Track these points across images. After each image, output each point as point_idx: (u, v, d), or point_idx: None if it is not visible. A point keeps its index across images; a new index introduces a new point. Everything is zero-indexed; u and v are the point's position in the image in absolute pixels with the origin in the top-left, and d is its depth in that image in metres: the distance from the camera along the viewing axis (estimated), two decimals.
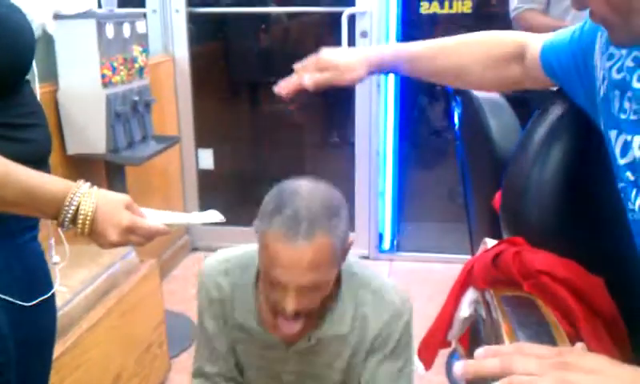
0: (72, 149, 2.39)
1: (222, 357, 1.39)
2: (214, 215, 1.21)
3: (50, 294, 1.27)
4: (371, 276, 1.31)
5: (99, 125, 2.37)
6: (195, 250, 3.59)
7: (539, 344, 0.78)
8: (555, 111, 1.09)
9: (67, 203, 0.99)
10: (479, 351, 0.75)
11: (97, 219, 1.01)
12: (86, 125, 2.37)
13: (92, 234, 1.02)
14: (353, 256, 1.31)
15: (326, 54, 1.32)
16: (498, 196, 1.60)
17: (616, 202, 0.97)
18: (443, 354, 2.50)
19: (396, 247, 3.46)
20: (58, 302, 1.83)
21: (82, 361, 1.85)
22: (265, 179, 3.87)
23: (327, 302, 1.24)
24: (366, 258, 3.38)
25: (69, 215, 1.00)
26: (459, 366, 0.76)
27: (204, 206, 3.61)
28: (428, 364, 1.20)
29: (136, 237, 1.06)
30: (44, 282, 1.27)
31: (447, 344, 1.19)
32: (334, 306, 1.27)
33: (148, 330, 2.24)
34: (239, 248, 1.37)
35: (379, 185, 3.37)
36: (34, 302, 1.20)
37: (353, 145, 3.38)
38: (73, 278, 1.97)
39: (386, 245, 3.44)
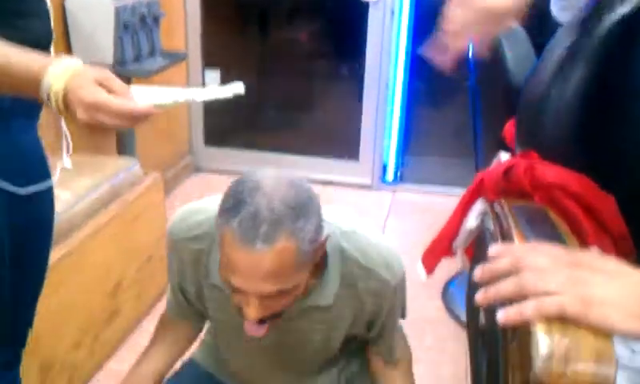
0: (79, 58, 2.35)
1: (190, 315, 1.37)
2: (234, 87, 1.09)
3: (46, 187, 1.22)
4: (361, 249, 1.18)
5: (107, 35, 2.33)
6: (198, 170, 3.59)
7: None
8: (579, 29, 1.06)
9: (44, 82, 0.94)
10: (493, 248, 0.75)
11: (67, 96, 0.94)
12: (94, 35, 2.34)
13: (67, 111, 0.95)
14: (345, 214, 1.22)
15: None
16: (507, 126, 1.58)
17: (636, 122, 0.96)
18: (440, 280, 2.55)
19: (399, 179, 3.46)
20: (61, 207, 1.85)
21: (83, 265, 1.86)
22: (271, 105, 3.84)
23: (309, 281, 1.12)
24: (369, 187, 3.39)
25: (46, 94, 0.94)
26: (478, 269, 0.76)
27: (208, 127, 3.60)
28: (430, 270, 1.20)
29: (104, 115, 0.94)
30: (40, 173, 1.21)
31: (451, 253, 1.19)
32: (317, 282, 1.18)
33: (150, 242, 2.25)
34: (209, 207, 1.20)
35: (386, 117, 3.35)
36: (29, 191, 1.15)
37: (362, 77, 3.34)
38: (76, 184, 1.97)
39: (390, 176, 3.44)
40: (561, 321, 0.68)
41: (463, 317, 2.31)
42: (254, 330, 1.10)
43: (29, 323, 1.27)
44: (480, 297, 0.74)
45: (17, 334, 1.23)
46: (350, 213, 1.26)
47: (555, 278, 0.69)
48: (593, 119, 1.00)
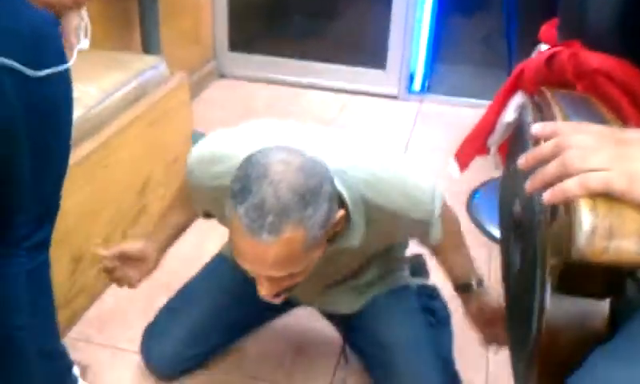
0: None
1: None
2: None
3: (62, 68, 1.16)
4: (386, 196, 1.14)
5: None
6: (222, 76, 3.55)
7: None
8: None
9: None
10: (537, 126, 0.73)
11: None
12: None
13: None
14: (362, 165, 1.15)
15: None
16: (545, 28, 1.53)
17: None
18: (464, 192, 2.54)
19: (427, 88, 3.40)
20: (89, 102, 1.85)
21: (111, 161, 1.87)
22: (297, 11, 3.75)
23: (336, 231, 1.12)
24: (395, 97, 3.34)
25: None
26: (521, 157, 0.74)
27: (233, 32, 3.54)
28: (463, 167, 1.19)
29: None
30: (56, 54, 1.16)
31: (486, 150, 1.18)
32: (341, 233, 1.16)
33: (176, 142, 2.26)
34: (229, 153, 1.18)
35: (415, 24, 3.26)
36: (44, 74, 1.11)
37: None
38: (103, 80, 1.96)
39: (417, 86, 3.37)
40: (605, 198, 0.67)
41: (488, 226, 2.31)
42: (269, 299, 1.11)
43: (54, 207, 1.28)
44: (528, 185, 0.73)
45: (42, 218, 1.25)
46: (370, 148, 1.22)
47: (600, 155, 0.68)
48: (637, 4, 0.96)
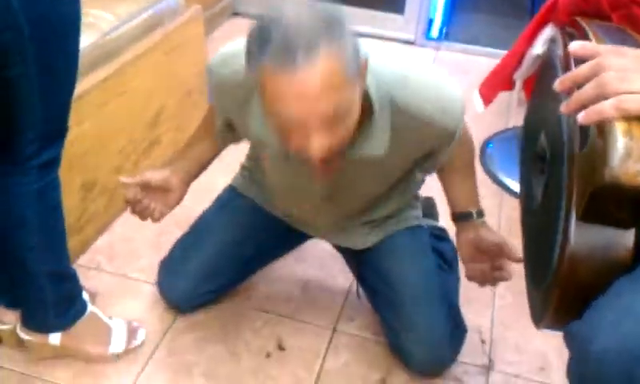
0: None
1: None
2: None
3: None
4: (414, 98, 1.09)
5: None
6: (236, 14, 3.49)
7: None
8: None
9: None
10: (575, 43, 0.70)
11: None
12: None
13: None
14: (395, 56, 1.12)
15: None
16: None
17: None
18: (478, 140, 2.51)
19: (444, 36, 3.34)
20: (104, 29, 1.81)
21: (126, 88, 1.85)
22: None
23: (358, 126, 1.04)
24: (412, 43, 3.28)
25: None
26: (557, 80, 0.72)
27: None
28: (487, 101, 1.16)
29: None
30: None
31: (511, 85, 1.15)
32: (367, 130, 1.11)
33: (190, 74, 2.23)
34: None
35: None
36: None
37: None
38: (119, 7, 1.92)
39: (435, 32, 3.31)
40: None
41: (500, 176, 2.30)
42: (321, 175, 1.06)
43: (63, 126, 1.26)
44: (563, 107, 0.70)
45: (51, 136, 1.23)
46: (400, 52, 1.18)
47: (637, 78, 0.65)
48: None
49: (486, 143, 2.54)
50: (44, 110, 1.17)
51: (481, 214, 1.37)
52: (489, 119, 2.44)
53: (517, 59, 1.09)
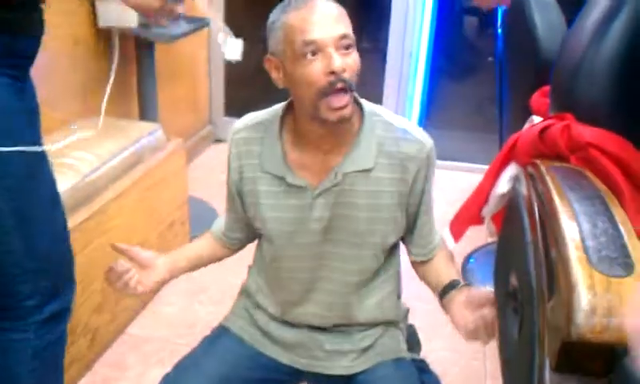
0: (103, 21, 2.35)
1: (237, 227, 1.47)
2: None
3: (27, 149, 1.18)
4: (394, 117, 1.32)
5: None
6: (218, 141, 3.58)
7: (592, 207, 0.76)
8: None
9: None
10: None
11: None
12: None
13: None
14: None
15: None
16: (535, 96, 1.56)
17: None
18: (459, 255, 2.53)
19: None
20: (86, 170, 1.85)
21: (107, 228, 1.87)
22: None
23: (350, 137, 1.26)
24: None
25: None
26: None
27: (229, 97, 3.59)
28: (457, 237, 1.19)
29: None
30: (20, 131, 1.20)
31: (480, 220, 1.18)
32: (356, 142, 1.27)
33: (172, 207, 2.26)
34: (264, 111, 1.38)
35: (409, 88, 3.31)
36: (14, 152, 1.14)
37: (384, 50, 3.30)
38: (100, 147, 1.97)
39: None
40: (603, 275, 0.67)
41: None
42: (340, 100, 1.18)
43: (60, 276, 1.27)
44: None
45: (49, 288, 1.23)
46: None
47: None
48: (630, 80, 0.98)
49: (468, 258, 2.56)
50: (31, 261, 1.18)
51: (467, 285, 1.35)
52: (469, 234, 2.47)
53: (483, 197, 1.13)
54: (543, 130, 1.02)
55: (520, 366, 0.90)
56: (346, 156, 1.27)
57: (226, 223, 1.50)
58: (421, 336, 1.90)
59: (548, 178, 0.89)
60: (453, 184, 3.05)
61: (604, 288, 0.67)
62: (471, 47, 3.98)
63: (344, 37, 1.19)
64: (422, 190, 1.32)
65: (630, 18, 0.99)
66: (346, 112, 1.22)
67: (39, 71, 2.08)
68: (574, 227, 0.75)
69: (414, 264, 1.45)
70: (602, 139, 0.95)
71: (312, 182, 1.28)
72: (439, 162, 3.41)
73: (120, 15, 2.32)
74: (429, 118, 3.49)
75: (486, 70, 2.97)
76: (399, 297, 1.55)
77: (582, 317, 0.66)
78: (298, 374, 1.57)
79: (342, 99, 1.20)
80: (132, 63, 2.56)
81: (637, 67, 0.98)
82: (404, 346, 1.54)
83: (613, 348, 0.68)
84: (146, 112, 2.54)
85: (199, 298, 2.22)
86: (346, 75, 1.19)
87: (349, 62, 1.19)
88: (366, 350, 1.48)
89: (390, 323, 1.52)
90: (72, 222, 1.72)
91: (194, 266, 1.52)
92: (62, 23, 2.19)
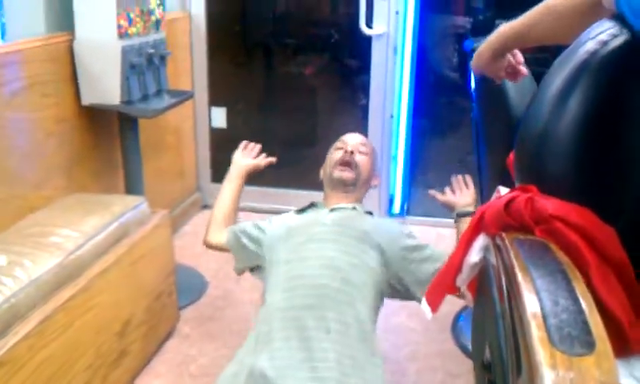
0: (87, 99, 2.39)
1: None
2: None
3: None
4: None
5: (114, 76, 2.37)
6: (205, 207, 3.60)
7: (554, 283, 0.78)
8: (575, 61, 1.07)
9: None
10: None
11: None
12: (101, 75, 2.37)
13: None
14: None
15: None
16: (511, 156, 1.59)
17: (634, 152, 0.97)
18: (449, 313, 2.53)
19: (406, 211, 3.46)
20: (70, 246, 1.86)
21: (92, 304, 1.87)
22: (275, 141, 3.86)
23: (359, 196, 2.01)
24: None
25: None
26: None
27: (216, 164, 3.62)
28: (434, 307, 1.20)
29: None
30: None
31: (455, 290, 1.19)
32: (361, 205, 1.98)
33: (158, 280, 2.26)
34: None
35: (392, 148, 3.36)
36: None
37: (366, 109, 3.37)
38: (84, 223, 1.99)
39: (396, 208, 3.44)
40: (565, 353, 0.68)
41: None
42: (341, 170, 1.95)
43: None
44: None
45: None
46: None
47: None
48: (590, 152, 1.01)
49: (458, 316, 2.56)
50: None
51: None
52: None
53: (456, 267, 1.14)
54: (508, 203, 1.04)
55: None
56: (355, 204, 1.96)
57: (246, 229, 2.00)
58: None
59: (512, 253, 0.91)
60: (441, 241, 3.07)
61: (566, 367, 0.68)
62: (452, 105, 4.05)
63: (363, 144, 2.04)
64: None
65: (588, 87, 1.02)
66: (347, 175, 1.93)
67: (24, 151, 2.13)
68: (536, 305, 0.77)
69: None
70: (565, 211, 0.97)
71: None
72: (425, 220, 3.45)
73: (103, 93, 2.37)
74: (413, 177, 3.53)
75: (468, 126, 3.02)
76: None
77: None
78: None
79: (343, 170, 1.94)
80: (116, 138, 2.60)
81: (597, 139, 1.01)
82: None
83: None
84: (132, 185, 2.57)
85: (190, 369, 2.21)
86: (356, 158, 1.97)
87: (361, 157, 1.99)
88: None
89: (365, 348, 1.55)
90: (57, 301, 1.73)
91: (227, 194, 2.19)
92: (47, 103, 2.24)
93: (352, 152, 1.97)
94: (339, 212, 1.90)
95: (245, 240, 1.97)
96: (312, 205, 2.02)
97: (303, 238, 1.82)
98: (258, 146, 2.31)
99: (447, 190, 2.19)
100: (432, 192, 2.10)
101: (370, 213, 1.97)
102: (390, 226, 1.98)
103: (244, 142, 2.31)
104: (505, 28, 1.39)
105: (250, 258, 1.96)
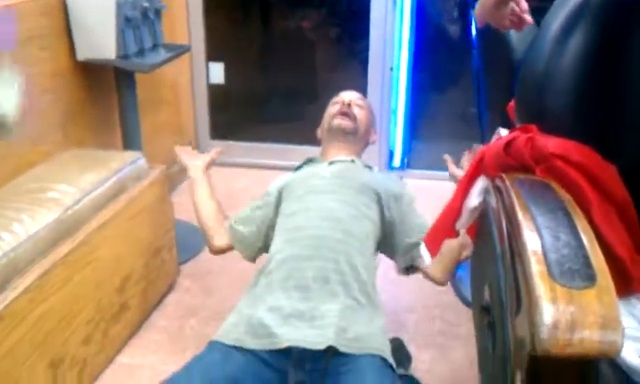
0: (82, 54, 2.35)
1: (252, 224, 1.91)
2: None
3: None
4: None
5: (109, 30, 2.32)
6: None
7: (555, 219, 0.76)
8: (572, 2, 1.04)
9: None
10: None
11: None
12: (96, 29, 2.33)
13: None
14: None
15: None
16: (512, 103, 1.56)
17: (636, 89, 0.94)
18: None
19: (406, 165, 3.44)
20: (68, 201, 1.85)
21: (91, 259, 1.86)
22: (275, 96, 3.83)
23: (356, 154, 1.98)
24: None
25: None
26: None
27: (213, 121, 3.60)
28: (434, 252, 1.19)
29: None
30: None
31: (454, 233, 1.18)
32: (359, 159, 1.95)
33: (157, 235, 2.25)
34: None
35: (392, 102, 3.33)
36: None
37: (366, 62, 3.32)
38: (82, 179, 1.97)
39: (397, 162, 3.42)
40: (566, 289, 0.67)
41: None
42: (341, 118, 1.95)
43: None
44: None
45: None
46: None
47: None
48: (591, 89, 0.99)
49: (457, 267, 2.56)
50: None
51: None
52: None
53: (456, 211, 1.13)
54: (508, 144, 1.02)
55: (497, 380, 0.90)
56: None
57: (238, 215, 1.94)
58: (411, 349, 1.92)
59: (512, 192, 0.89)
60: (441, 193, 3.04)
61: (566, 301, 0.67)
62: (452, 57, 3.99)
63: (360, 99, 2.05)
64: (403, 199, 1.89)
65: (589, 25, 1.00)
66: (345, 123, 1.94)
67: (21, 107, 2.10)
68: (536, 241, 0.76)
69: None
70: (566, 149, 0.95)
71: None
72: (426, 173, 3.44)
73: (98, 48, 2.33)
74: (414, 130, 3.50)
75: (469, 78, 2.98)
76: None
77: (544, 332, 0.66)
78: (285, 359, 1.52)
79: (342, 118, 1.94)
80: (113, 93, 2.56)
81: (597, 75, 0.98)
82: (387, 342, 1.54)
83: (580, 362, 0.68)
84: (129, 141, 2.54)
85: (190, 322, 2.22)
86: (353, 111, 1.98)
87: (359, 111, 1.99)
88: (345, 329, 1.47)
89: (366, 295, 1.54)
90: (54, 256, 1.72)
91: (203, 191, 2.03)
92: (41, 58, 2.20)
93: (349, 104, 1.98)
94: (338, 165, 1.89)
95: (241, 229, 1.93)
96: (309, 160, 1.99)
97: (302, 190, 1.81)
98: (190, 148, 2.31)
99: (462, 162, 2.17)
100: (447, 157, 2.09)
101: (369, 167, 1.95)
102: (388, 179, 1.98)
103: (178, 152, 2.20)
104: None
105: (254, 244, 1.93)
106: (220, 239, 1.95)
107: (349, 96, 2.03)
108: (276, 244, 1.73)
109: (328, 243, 1.64)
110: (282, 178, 1.96)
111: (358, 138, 1.98)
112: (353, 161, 1.92)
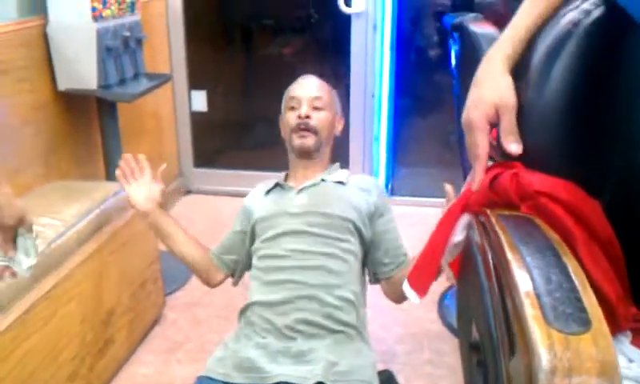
0: (63, 84, 2.35)
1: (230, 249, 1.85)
2: None
3: None
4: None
5: (90, 59, 2.32)
6: (188, 192, 3.57)
7: (543, 259, 0.77)
8: (557, 31, 1.05)
9: None
10: None
11: None
12: (77, 60, 2.33)
13: None
14: None
15: None
16: (493, 133, 1.58)
17: (621, 124, 0.96)
18: (435, 292, 2.53)
19: (390, 191, 3.46)
20: (51, 235, 1.83)
21: (75, 293, 1.84)
22: (258, 123, 3.83)
23: (325, 162, 1.84)
24: None
25: None
26: None
27: (197, 149, 3.59)
28: (422, 292, 1.18)
29: None
30: None
31: (438, 271, 1.18)
32: (331, 169, 1.81)
33: (142, 266, 2.24)
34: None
35: (374, 128, 3.34)
36: None
37: (348, 89, 3.34)
38: (65, 211, 1.95)
39: None
40: (562, 334, 0.67)
41: None
42: (301, 139, 1.76)
43: None
44: None
45: None
46: None
47: None
48: (575, 123, 1.00)
49: (443, 296, 2.56)
50: None
51: None
52: None
53: (440, 249, 1.12)
54: (493, 180, 1.03)
55: None
56: (324, 173, 1.79)
57: (222, 245, 1.86)
58: (400, 380, 1.91)
59: (498, 229, 0.89)
60: (426, 220, 3.06)
61: (563, 347, 0.67)
62: (434, 83, 4.03)
63: (318, 97, 1.79)
64: (384, 209, 1.79)
65: (571, 58, 1.01)
66: (307, 142, 1.77)
67: (1, 139, 2.08)
68: (528, 282, 0.76)
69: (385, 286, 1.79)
70: (551, 186, 0.96)
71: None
72: (409, 199, 3.45)
73: (79, 78, 2.32)
74: (397, 157, 3.52)
75: (450, 103, 3.00)
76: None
77: (543, 378, 0.66)
78: None
79: (302, 136, 1.76)
80: (95, 124, 2.56)
81: (579, 109, 0.99)
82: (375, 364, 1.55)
83: None
84: (112, 171, 2.51)
85: (177, 355, 2.20)
86: (312, 122, 1.76)
87: (319, 115, 1.78)
88: (334, 363, 1.46)
89: (354, 328, 1.54)
90: (36, 293, 1.70)
91: (179, 234, 1.83)
92: (21, 89, 2.19)
93: (307, 116, 1.76)
94: (308, 191, 1.75)
95: (226, 258, 1.85)
96: (277, 185, 1.84)
97: (273, 231, 1.70)
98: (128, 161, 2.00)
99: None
100: (448, 189, 1.69)
101: (342, 182, 1.77)
102: (361, 192, 1.77)
103: (118, 175, 1.93)
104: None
105: (242, 270, 1.86)
106: (217, 275, 1.85)
107: (305, 95, 1.79)
108: (254, 287, 1.68)
109: (309, 285, 1.60)
110: (253, 203, 1.85)
111: (322, 147, 1.82)
112: (323, 180, 1.77)
